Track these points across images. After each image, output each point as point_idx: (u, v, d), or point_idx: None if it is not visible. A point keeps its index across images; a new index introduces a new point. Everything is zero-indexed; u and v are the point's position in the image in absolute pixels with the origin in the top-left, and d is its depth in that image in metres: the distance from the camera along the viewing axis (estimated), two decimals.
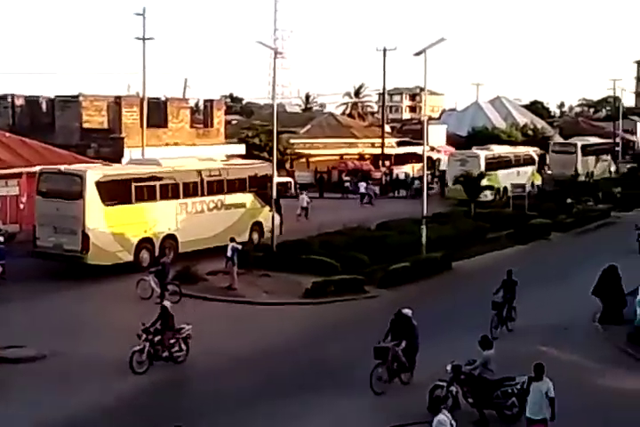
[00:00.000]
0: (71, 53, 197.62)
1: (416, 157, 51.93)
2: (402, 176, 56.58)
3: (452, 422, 12.35)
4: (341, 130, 63.60)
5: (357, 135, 63.14)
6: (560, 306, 24.06)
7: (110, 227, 27.22)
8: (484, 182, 42.93)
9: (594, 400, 16.43)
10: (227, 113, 56.74)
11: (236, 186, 31.80)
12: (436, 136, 64.93)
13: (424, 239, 29.70)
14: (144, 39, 39.78)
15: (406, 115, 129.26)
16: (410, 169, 58.84)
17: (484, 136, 66.12)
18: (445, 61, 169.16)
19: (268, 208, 32.13)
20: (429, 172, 47.03)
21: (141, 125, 39.45)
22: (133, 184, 28.11)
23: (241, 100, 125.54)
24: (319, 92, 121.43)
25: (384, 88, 62.28)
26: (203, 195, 30.30)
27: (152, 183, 28.73)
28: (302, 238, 31.03)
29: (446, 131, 70.72)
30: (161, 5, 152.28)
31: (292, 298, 24.80)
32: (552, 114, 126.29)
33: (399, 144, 63.50)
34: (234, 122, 72.06)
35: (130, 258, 27.64)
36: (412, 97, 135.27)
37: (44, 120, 42.75)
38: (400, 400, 16.15)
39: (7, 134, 37.30)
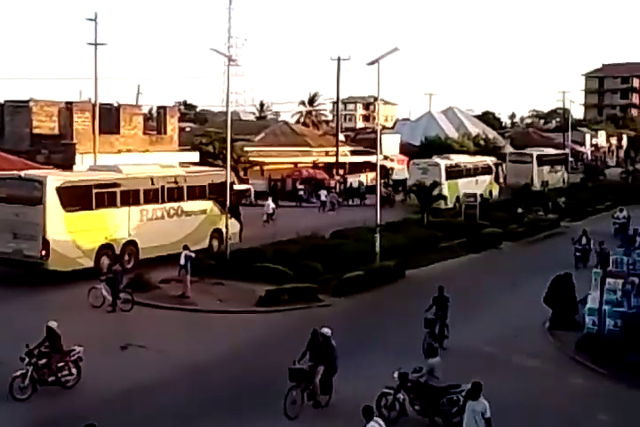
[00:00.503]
0: (22, 58, 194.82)
1: (370, 166, 52.08)
2: (355, 185, 56.78)
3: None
4: (296, 138, 63.58)
5: (311, 144, 63.17)
6: (510, 313, 24.35)
7: (71, 233, 27.17)
8: (445, 190, 43.38)
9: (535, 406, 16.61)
10: (180, 120, 56.45)
11: (196, 193, 31.93)
12: (390, 145, 65.28)
13: (378, 248, 29.78)
14: (96, 44, 39.37)
15: (360, 124, 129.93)
16: (364, 178, 59.12)
17: (436, 146, 66.65)
18: (399, 71, 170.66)
19: (224, 215, 32.02)
20: (383, 180, 47.42)
21: (93, 132, 39.02)
22: (94, 190, 28.07)
23: (195, 107, 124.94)
24: (273, 100, 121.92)
25: (338, 97, 62.48)
26: (163, 201, 30.34)
27: (113, 189, 28.75)
28: (256, 247, 30.89)
29: (400, 140, 71.13)
30: (113, 11, 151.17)
31: (246, 306, 24.67)
32: (503, 124, 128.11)
33: (353, 153, 63.71)
34: (187, 129, 71.60)
35: (90, 264, 27.52)
36: (366, 106, 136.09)
37: None
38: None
39: None
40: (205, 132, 56.86)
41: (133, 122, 43.91)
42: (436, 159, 52.47)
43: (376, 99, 37.23)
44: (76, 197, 27.43)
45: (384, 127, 76.93)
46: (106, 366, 18.45)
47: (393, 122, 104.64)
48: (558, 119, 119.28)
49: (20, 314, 23.07)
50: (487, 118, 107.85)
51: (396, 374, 15.33)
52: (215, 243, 32.40)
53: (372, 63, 29.42)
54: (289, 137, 63.61)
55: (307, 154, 61.56)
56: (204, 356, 19.57)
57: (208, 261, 28.78)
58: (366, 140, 66.80)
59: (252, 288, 26.03)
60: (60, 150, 39.33)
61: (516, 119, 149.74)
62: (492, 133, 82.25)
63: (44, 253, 26.38)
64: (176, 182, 31.09)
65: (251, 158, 56.61)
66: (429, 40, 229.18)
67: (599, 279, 21.87)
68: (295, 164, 60.02)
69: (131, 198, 29.24)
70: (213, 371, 18.65)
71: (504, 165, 62.37)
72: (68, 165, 38.38)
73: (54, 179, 27.41)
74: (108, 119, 41.69)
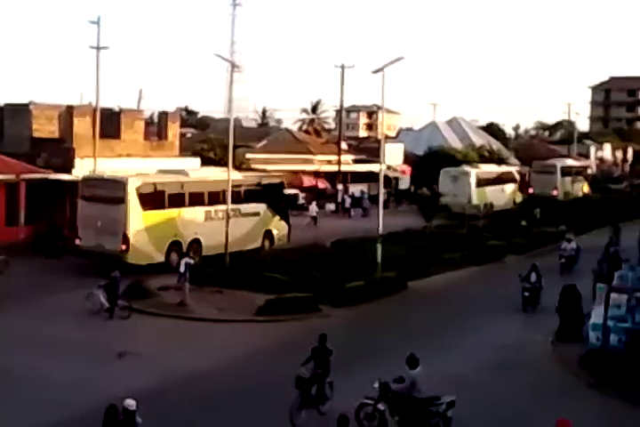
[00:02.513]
0: (23, 60, 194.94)
1: (373, 176, 51.77)
2: (357, 194, 56.53)
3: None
4: (298, 146, 63.28)
5: (314, 151, 62.86)
6: (512, 326, 24.01)
7: (147, 230, 29.83)
8: (474, 198, 46.13)
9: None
10: (182, 126, 55.94)
11: (252, 196, 34.35)
12: (394, 155, 64.99)
13: (379, 258, 29.43)
14: (98, 48, 39.01)
15: (363, 133, 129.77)
16: (366, 187, 58.90)
17: (440, 156, 66.31)
18: (403, 80, 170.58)
19: (278, 217, 35.14)
20: (386, 190, 47.41)
21: (94, 136, 38.61)
22: (167, 192, 30.87)
23: (196, 113, 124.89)
24: (276, 107, 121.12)
25: (341, 105, 62.24)
26: (224, 203, 31.36)
27: (182, 191, 31.42)
28: (255, 256, 30.92)
29: (403, 150, 70.84)
30: (117, 14, 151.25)
31: (245, 315, 24.31)
32: (507, 136, 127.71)
33: (356, 162, 63.41)
34: (189, 135, 71.37)
35: (162, 259, 30.00)
36: (370, 115, 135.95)
37: None
38: None
39: None
40: (207, 139, 56.58)
41: (134, 127, 43.50)
42: (466, 168, 54.83)
43: (380, 107, 36.94)
44: (152, 198, 30.21)
45: (387, 137, 76.52)
46: (102, 373, 18.22)
47: (396, 131, 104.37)
48: (563, 131, 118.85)
49: (15, 320, 22.75)
50: (492, 129, 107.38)
51: (376, 384, 15.11)
52: (266, 243, 34.84)
53: (376, 71, 29.19)
54: (291, 144, 63.32)
55: (308, 162, 61.23)
56: (201, 364, 19.23)
57: (207, 269, 28.48)
58: (369, 150, 66.49)
59: (251, 297, 25.73)
60: (59, 154, 38.90)
61: (521, 131, 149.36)
62: (496, 144, 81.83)
63: (124, 247, 28.98)
64: (235, 186, 32.24)
65: (252, 165, 56.29)
66: (434, 50, 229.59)
67: (604, 294, 21.46)
68: (297, 172, 59.73)
69: (196, 200, 31.77)
70: (210, 380, 18.30)
71: (527, 175, 64.45)
72: (67, 168, 38.05)
73: (135, 180, 30.06)
74: (109, 124, 41.29)
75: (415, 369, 15.08)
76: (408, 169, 64.28)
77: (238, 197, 32.84)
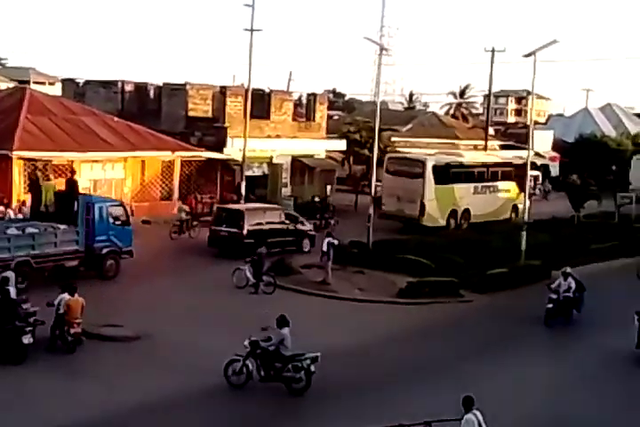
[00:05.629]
0: (180, 42, 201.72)
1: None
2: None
3: (482, 422, 12.13)
4: (444, 130, 62.65)
5: (460, 136, 62.06)
6: None
7: (436, 199, 36.64)
8: None
9: None
10: (329, 108, 56.47)
11: (505, 175, 40.37)
12: (542, 141, 63.30)
13: (524, 245, 28.90)
14: (252, 30, 39.90)
15: (511, 118, 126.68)
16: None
17: (592, 143, 64.12)
18: (555, 65, 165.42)
19: (522, 194, 36.70)
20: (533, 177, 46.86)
21: (245, 116, 39.66)
22: (451, 170, 37.82)
23: (344, 95, 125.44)
24: (423, 90, 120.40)
25: (490, 90, 60.94)
26: (487, 180, 39.34)
27: (459, 170, 38.46)
28: (398, 238, 31.05)
29: (552, 136, 68.93)
30: None
31: (386, 297, 24.50)
32: None
33: (502, 147, 62.17)
34: (335, 117, 71.86)
35: (444, 223, 36.72)
36: (519, 100, 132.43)
37: (150, 106, 43.45)
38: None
39: (115, 119, 38.18)
40: (353, 121, 56.79)
41: (283, 108, 44.36)
42: None
43: (529, 93, 36.43)
44: (441, 174, 36.92)
45: (536, 122, 74.58)
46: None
47: (546, 117, 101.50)
48: None
49: (163, 293, 23.78)
50: None
51: (246, 342, 16.27)
52: (513, 215, 40.01)
53: (528, 55, 28.56)
54: (437, 128, 62.76)
55: (454, 146, 60.51)
56: (343, 343, 19.48)
57: (350, 249, 28.80)
58: (517, 135, 64.98)
59: (392, 279, 25.89)
60: (212, 133, 40.19)
61: None
62: None
63: (420, 212, 35.83)
64: (494, 166, 40.15)
65: (397, 149, 56.24)
66: (589, 32, 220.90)
67: None
68: None
69: (469, 177, 38.63)
70: (354, 358, 18.57)
71: None
72: (219, 147, 39.32)
73: (432, 159, 37.80)
74: (260, 104, 42.27)
75: (284, 328, 16.33)
76: (557, 156, 62.47)
77: (495, 176, 39.82)
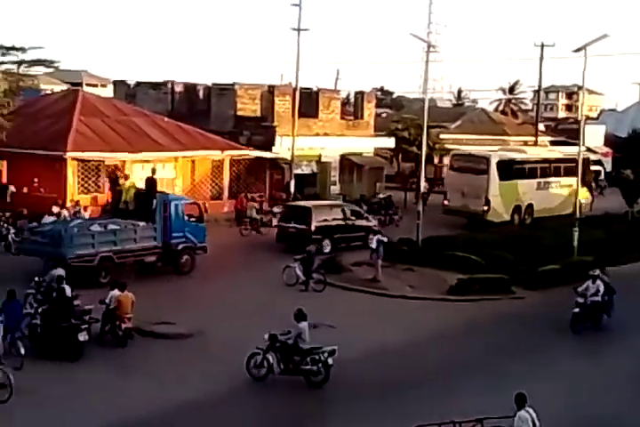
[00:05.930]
0: (228, 43, 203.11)
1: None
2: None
3: (535, 420, 11.99)
4: (493, 126, 62.06)
5: (509, 133, 61.43)
6: None
7: (501, 195, 36.98)
8: None
9: None
10: (377, 106, 56.34)
11: (568, 171, 39.27)
12: (594, 137, 62.36)
13: (576, 242, 28.56)
14: (299, 30, 40.10)
15: (562, 114, 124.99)
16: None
17: None
18: (607, 59, 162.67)
19: (585, 189, 39.22)
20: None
21: (293, 115, 39.85)
22: (514, 166, 38.06)
23: (391, 93, 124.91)
24: (471, 87, 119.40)
25: (540, 85, 60.18)
26: (550, 176, 39.60)
27: (522, 166, 38.77)
28: (448, 234, 30.88)
29: (604, 131, 67.85)
30: None
31: (436, 294, 24.46)
32: None
33: (553, 143, 61.40)
34: (383, 115, 71.64)
35: (508, 218, 37.06)
36: (569, 95, 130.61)
37: (200, 107, 43.90)
38: None
39: (165, 119, 38.66)
40: (401, 119, 56.58)
41: (331, 106, 44.43)
42: None
43: (580, 88, 35.91)
44: (505, 170, 37.23)
45: (588, 118, 73.53)
46: None
47: (598, 113, 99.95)
48: None
49: (221, 288, 24.14)
50: None
51: (266, 336, 16.52)
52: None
53: (578, 50, 28.26)
54: (486, 125, 62.21)
55: (504, 143, 59.89)
56: (395, 339, 19.54)
57: (400, 246, 28.79)
58: (568, 131, 64.14)
59: (442, 276, 25.85)
60: (260, 132, 40.44)
61: None
62: None
63: (485, 208, 36.33)
64: (557, 162, 40.24)
65: (446, 146, 55.90)
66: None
67: None
68: None
69: (532, 173, 38.92)
70: (405, 355, 18.63)
71: None
72: (268, 146, 39.54)
73: (496, 156, 37.98)
74: (307, 103, 42.43)
75: (302, 322, 16.54)
76: (610, 151, 61.45)
77: (558, 172, 39.87)
